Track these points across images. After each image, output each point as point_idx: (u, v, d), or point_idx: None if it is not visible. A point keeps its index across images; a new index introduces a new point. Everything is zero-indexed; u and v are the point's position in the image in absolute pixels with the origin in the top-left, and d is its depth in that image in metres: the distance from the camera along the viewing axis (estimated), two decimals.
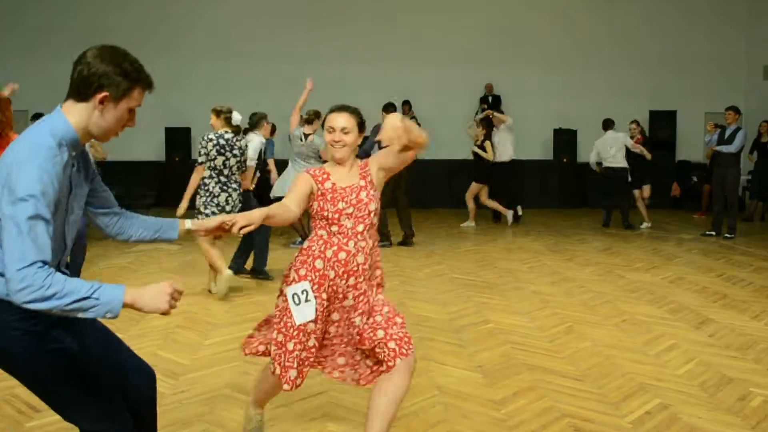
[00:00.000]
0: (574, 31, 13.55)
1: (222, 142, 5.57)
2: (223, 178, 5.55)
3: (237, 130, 5.79)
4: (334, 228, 2.63)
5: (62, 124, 1.86)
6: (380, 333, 2.60)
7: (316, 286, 2.60)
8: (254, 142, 6.41)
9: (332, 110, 2.73)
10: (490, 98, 13.17)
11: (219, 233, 2.34)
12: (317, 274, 2.61)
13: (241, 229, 2.29)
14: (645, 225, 9.90)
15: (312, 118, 7.91)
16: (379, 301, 2.72)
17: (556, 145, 12.99)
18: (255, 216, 2.36)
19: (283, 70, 12.78)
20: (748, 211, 11.28)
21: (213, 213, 5.49)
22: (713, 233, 9.09)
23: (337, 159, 2.68)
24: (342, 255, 2.61)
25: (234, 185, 5.61)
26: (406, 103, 12.66)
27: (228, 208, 5.55)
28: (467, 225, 9.96)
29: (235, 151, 5.62)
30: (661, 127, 13.14)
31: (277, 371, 2.62)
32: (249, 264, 6.40)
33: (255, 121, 6.98)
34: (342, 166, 2.71)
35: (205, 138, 5.59)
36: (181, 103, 12.21)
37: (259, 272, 6.28)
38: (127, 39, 13.05)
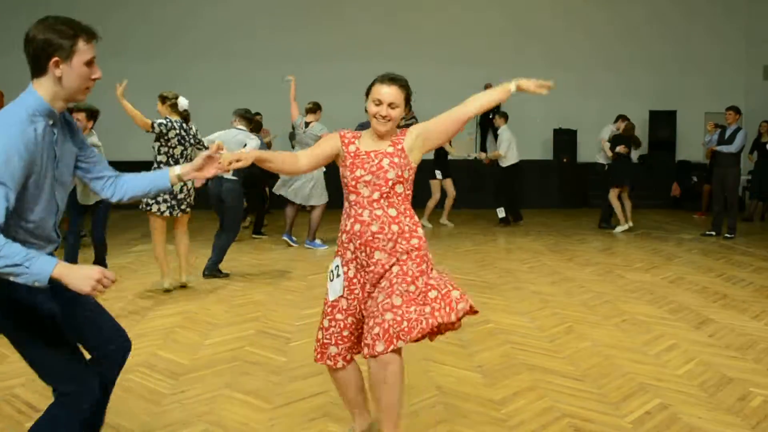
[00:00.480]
0: (574, 31, 13.56)
1: (183, 133, 5.62)
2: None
3: (185, 116, 5.86)
4: (352, 197, 2.57)
5: (33, 99, 2.04)
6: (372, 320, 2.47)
7: (344, 261, 2.61)
8: (254, 142, 6.46)
9: (380, 80, 2.60)
10: None
11: (211, 172, 2.38)
12: (344, 247, 2.62)
13: (230, 163, 2.38)
14: (619, 228, 9.53)
15: (315, 107, 8.08)
16: (396, 273, 2.52)
17: (556, 145, 12.99)
18: (248, 154, 2.45)
19: (282, 70, 12.71)
20: (748, 211, 11.29)
21: (165, 200, 5.57)
22: (713, 233, 9.09)
23: (380, 133, 2.59)
24: (357, 227, 2.56)
25: None
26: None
27: (181, 195, 5.63)
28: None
29: (191, 140, 5.71)
30: (661, 127, 13.15)
31: (317, 354, 2.65)
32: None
33: (257, 126, 7.12)
34: (377, 135, 2.62)
35: (169, 125, 5.56)
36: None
37: (212, 270, 6.38)
38: (126, 39, 13.11)
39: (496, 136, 10.65)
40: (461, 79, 13.22)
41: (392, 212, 2.55)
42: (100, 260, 6.17)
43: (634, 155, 9.92)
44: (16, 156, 1.90)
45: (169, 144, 5.56)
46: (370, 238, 2.53)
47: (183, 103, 5.78)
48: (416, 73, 14.43)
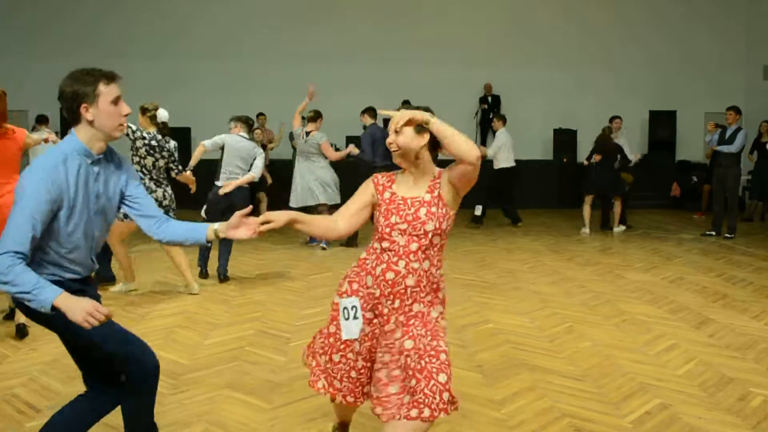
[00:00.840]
0: (574, 31, 13.56)
1: (153, 143, 5.60)
2: (154, 176, 5.63)
3: (164, 127, 5.83)
4: (385, 244, 2.38)
5: (71, 141, 2.33)
6: (412, 382, 2.29)
7: (364, 303, 2.42)
8: (260, 160, 6.39)
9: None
10: (489, 98, 13.18)
11: (245, 234, 2.42)
12: (366, 290, 2.43)
13: (262, 224, 2.37)
14: (616, 229, 9.51)
15: (315, 116, 8.05)
16: (434, 333, 2.36)
17: (556, 145, 12.99)
18: (279, 216, 2.37)
19: (283, 70, 12.79)
20: (748, 211, 11.29)
21: None
22: (713, 233, 9.09)
23: (404, 167, 2.43)
24: (390, 275, 2.36)
25: (165, 182, 5.72)
26: (406, 103, 12.64)
27: (165, 202, 5.65)
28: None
29: (164, 153, 5.68)
30: (661, 127, 13.15)
31: (320, 384, 2.49)
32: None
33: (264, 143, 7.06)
34: (410, 174, 2.43)
35: (137, 133, 5.56)
36: (181, 104, 12.18)
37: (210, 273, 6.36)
38: (125, 39, 13.14)
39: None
40: (461, 80, 13.25)
41: (426, 265, 2.37)
42: (103, 275, 6.02)
43: (627, 157, 9.70)
44: (44, 194, 2.18)
45: (138, 153, 5.57)
46: (403, 290, 2.35)
47: (162, 115, 5.76)
48: (416, 73, 14.57)
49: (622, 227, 9.58)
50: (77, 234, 2.32)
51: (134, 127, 5.58)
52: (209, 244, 2.37)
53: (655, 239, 8.95)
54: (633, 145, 11.69)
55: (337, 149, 8.62)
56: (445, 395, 2.24)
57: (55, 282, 2.21)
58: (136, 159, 5.60)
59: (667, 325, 4.88)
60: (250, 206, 2.54)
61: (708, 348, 4.36)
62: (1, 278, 2.12)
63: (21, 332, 4.51)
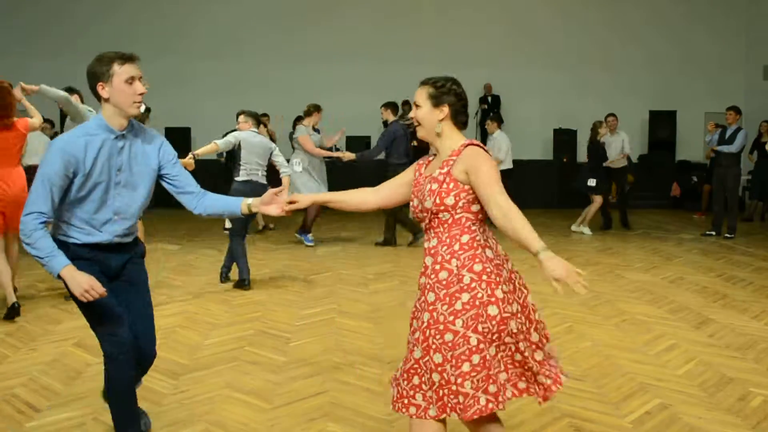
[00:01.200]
0: (574, 31, 13.56)
1: None
2: None
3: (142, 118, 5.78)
4: (422, 225, 2.33)
5: (95, 118, 2.60)
6: (415, 379, 2.23)
7: None
8: (280, 153, 6.37)
9: None
10: (489, 98, 13.18)
11: (275, 210, 2.61)
12: None
13: (289, 203, 2.54)
14: (574, 227, 9.46)
15: (311, 110, 7.99)
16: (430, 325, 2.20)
17: (555, 145, 12.99)
18: (303, 198, 2.56)
19: (283, 70, 12.80)
20: (748, 211, 11.28)
21: None
22: (713, 233, 9.09)
23: (422, 139, 2.38)
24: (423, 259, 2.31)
25: None
26: (406, 104, 12.63)
27: None
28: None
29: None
30: (661, 127, 13.15)
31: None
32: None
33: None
34: (436, 151, 2.35)
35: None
36: (181, 103, 12.20)
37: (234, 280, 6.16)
38: (125, 39, 13.13)
39: None
40: (460, 79, 13.20)
41: (433, 243, 2.26)
42: None
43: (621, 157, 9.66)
44: (58, 162, 2.45)
45: None
46: (423, 269, 2.28)
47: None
48: (416, 73, 14.42)
49: (585, 229, 9.40)
50: (94, 201, 2.54)
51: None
52: (243, 217, 2.67)
53: (655, 239, 8.95)
54: (634, 143, 11.70)
55: (337, 149, 8.61)
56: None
57: (79, 245, 2.55)
58: None
59: (667, 325, 4.88)
60: (282, 186, 2.81)
61: (708, 348, 4.36)
62: (24, 239, 2.42)
63: (13, 311, 4.84)
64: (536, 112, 13.24)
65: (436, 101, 2.29)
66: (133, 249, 2.76)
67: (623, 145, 9.65)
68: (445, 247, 2.22)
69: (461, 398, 2.11)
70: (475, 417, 2.12)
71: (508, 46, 13.41)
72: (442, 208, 2.22)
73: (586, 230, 9.38)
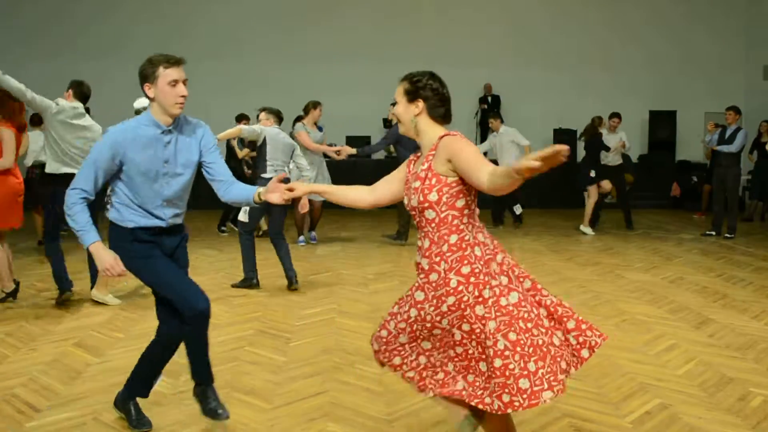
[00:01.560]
0: (574, 31, 13.56)
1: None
2: None
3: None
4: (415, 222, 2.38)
5: (146, 113, 2.83)
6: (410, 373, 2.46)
7: None
8: (301, 154, 6.40)
9: None
10: (489, 98, 13.18)
11: (277, 199, 2.73)
12: None
13: (288, 191, 2.66)
14: (583, 228, 9.43)
15: (308, 107, 8.00)
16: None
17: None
18: (300, 186, 2.66)
19: (283, 70, 12.80)
20: (748, 211, 11.28)
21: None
22: (713, 233, 9.09)
23: (405, 134, 2.41)
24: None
25: None
26: None
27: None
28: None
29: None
30: (661, 127, 13.15)
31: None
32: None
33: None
34: (422, 147, 2.37)
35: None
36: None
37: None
38: (125, 38, 13.04)
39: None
40: (460, 80, 13.24)
41: (426, 244, 2.27)
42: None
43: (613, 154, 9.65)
44: (106, 150, 2.73)
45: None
46: (415, 267, 2.38)
47: (136, 102, 5.73)
48: None
49: (589, 230, 9.39)
50: (146, 189, 2.79)
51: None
52: (257, 205, 2.95)
53: (655, 239, 8.95)
54: (634, 143, 11.69)
55: (333, 144, 8.62)
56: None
57: (139, 229, 2.82)
58: None
59: (667, 325, 4.88)
60: (285, 174, 3.03)
61: (708, 348, 4.36)
62: (67, 210, 2.70)
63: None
64: (536, 112, 13.24)
65: (411, 97, 2.31)
66: (183, 232, 3.04)
67: (623, 141, 9.62)
68: (436, 248, 2.24)
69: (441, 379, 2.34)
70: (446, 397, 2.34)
71: (508, 46, 13.41)
72: (426, 205, 2.23)
73: (587, 230, 9.38)
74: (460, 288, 2.19)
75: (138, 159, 2.76)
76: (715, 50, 13.73)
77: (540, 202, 12.29)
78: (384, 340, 2.44)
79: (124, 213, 2.84)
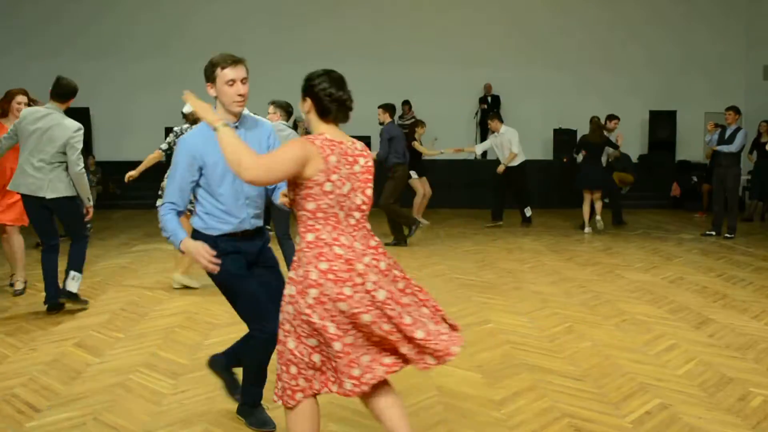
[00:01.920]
0: (575, 30, 13.56)
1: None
2: None
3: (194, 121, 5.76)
4: None
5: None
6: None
7: None
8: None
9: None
10: (489, 98, 13.19)
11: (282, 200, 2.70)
12: None
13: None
14: (597, 218, 9.49)
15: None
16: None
17: (556, 145, 12.99)
18: None
19: (282, 70, 12.76)
20: (748, 211, 11.28)
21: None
22: (713, 233, 9.09)
23: None
24: None
25: None
26: (406, 103, 12.66)
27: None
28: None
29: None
30: (661, 127, 13.15)
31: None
32: None
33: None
34: None
35: (176, 130, 5.65)
36: (180, 103, 12.18)
37: None
38: (125, 38, 13.00)
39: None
40: (461, 79, 13.26)
41: (297, 239, 2.45)
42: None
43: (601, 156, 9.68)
44: (183, 159, 2.83)
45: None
46: None
47: (185, 108, 5.76)
48: (416, 73, 14.56)
49: (587, 229, 9.44)
50: (228, 188, 2.85)
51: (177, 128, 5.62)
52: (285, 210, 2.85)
53: (655, 239, 8.95)
54: (634, 143, 11.70)
55: None
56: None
57: (223, 237, 2.85)
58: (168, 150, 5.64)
59: (667, 325, 4.88)
60: None
61: (708, 348, 4.36)
62: (160, 222, 2.83)
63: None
64: (536, 112, 13.24)
65: (303, 94, 2.42)
66: (264, 235, 3.07)
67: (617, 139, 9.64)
68: (300, 244, 2.36)
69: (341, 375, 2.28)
70: (349, 396, 2.29)
71: (508, 46, 13.41)
72: (291, 202, 2.39)
73: (587, 229, 9.39)
74: (321, 281, 2.24)
75: (215, 158, 2.78)
76: (716, 50, 13.73)
77: (540, 202, 12.29)
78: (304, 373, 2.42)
79: (208, 221, 2.89)
